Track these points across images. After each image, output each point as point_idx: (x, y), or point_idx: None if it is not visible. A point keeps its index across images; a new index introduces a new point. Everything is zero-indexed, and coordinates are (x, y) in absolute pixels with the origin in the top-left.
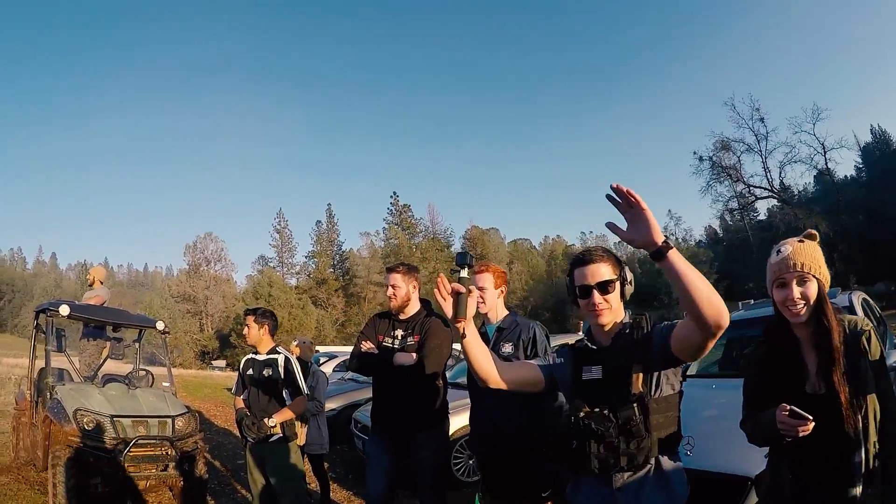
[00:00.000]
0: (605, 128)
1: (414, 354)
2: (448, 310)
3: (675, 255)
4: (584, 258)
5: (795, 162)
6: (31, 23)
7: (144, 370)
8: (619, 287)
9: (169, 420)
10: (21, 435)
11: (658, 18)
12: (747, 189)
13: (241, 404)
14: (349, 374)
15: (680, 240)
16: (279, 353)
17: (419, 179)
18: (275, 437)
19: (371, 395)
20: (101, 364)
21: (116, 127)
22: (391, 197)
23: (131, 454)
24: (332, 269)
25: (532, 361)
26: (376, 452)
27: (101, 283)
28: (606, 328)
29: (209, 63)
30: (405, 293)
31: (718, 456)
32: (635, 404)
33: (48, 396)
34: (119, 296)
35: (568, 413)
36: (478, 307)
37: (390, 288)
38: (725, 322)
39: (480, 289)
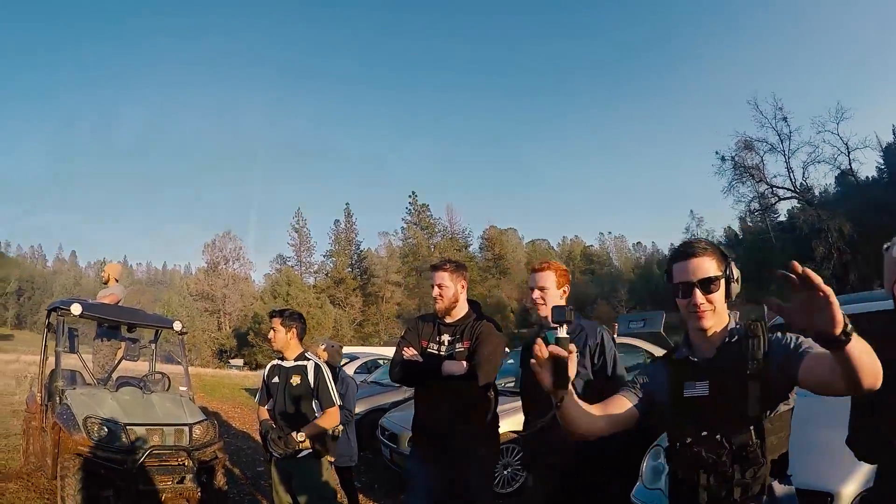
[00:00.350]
0: (624, 126)
1: (464, 363)
2: (546, 379)
3: (856, 345)
4: (685, 251)
5: (819, 162)
6: (48, 18)
7: (160, 373)
8: (723, 285)
9: (186, 428)
10: (31, 440)
11: (679, 15)
12: (770, 189)
13: (265, 415)
14: (371, 377)
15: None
16: (308, 359)
17: (437, 179)
18: (304, 453)
19: (396, 400)
20: (116, 366)
21: (135, 124)
22: (410, 196)
23: (145, 465)
24: (349, 269)
25: (619, 395)
26: (419, 472)
27: (117, 280)
28: (709, 333)
29: (227, 59)
30: (453, 294)
31: (799, 469)
32: (752, 427)
33: (58, 401)
34: (137, 293)
35: (667, 437)
36: (537, 309)
37: (436, 288)
38: (879, 383)
39: (541, 289)
